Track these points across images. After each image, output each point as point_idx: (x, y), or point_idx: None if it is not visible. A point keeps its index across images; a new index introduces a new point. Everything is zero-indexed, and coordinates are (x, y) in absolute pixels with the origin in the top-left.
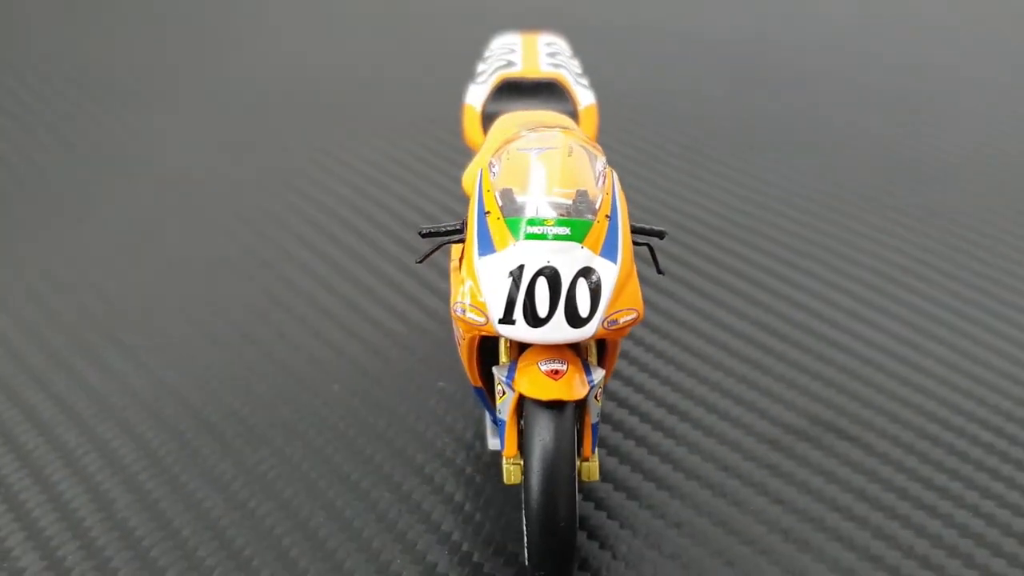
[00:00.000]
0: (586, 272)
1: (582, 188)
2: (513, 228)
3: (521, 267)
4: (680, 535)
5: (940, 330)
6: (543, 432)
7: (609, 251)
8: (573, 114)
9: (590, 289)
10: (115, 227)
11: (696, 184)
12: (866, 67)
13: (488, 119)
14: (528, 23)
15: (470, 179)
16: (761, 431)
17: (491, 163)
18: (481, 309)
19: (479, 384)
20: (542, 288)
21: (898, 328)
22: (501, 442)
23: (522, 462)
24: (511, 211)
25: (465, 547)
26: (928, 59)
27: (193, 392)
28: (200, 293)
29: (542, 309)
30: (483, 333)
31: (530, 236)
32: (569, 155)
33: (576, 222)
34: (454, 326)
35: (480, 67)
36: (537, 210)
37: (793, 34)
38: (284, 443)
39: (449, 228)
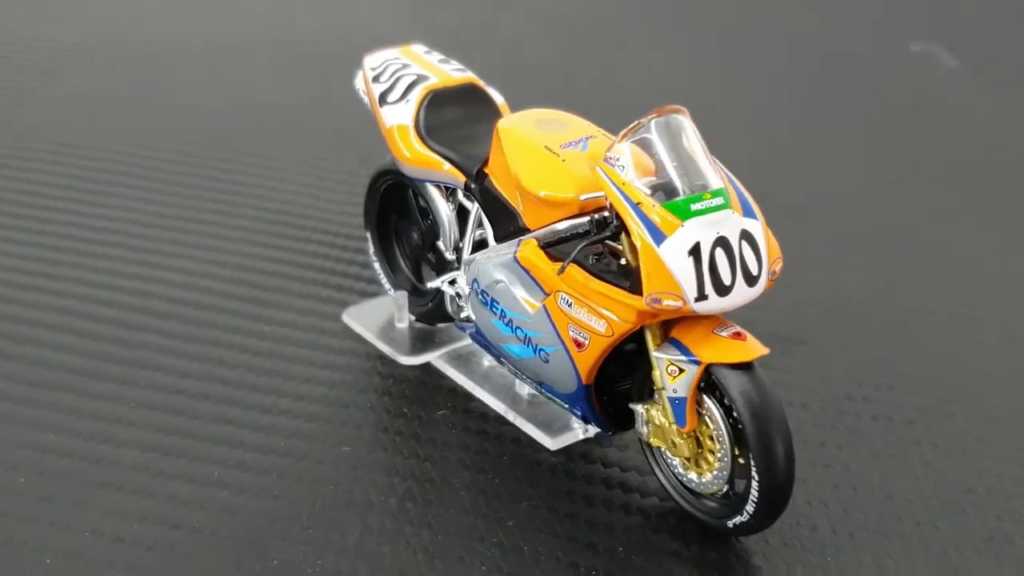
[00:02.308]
0: (744, 234)
1: (702, 160)
2: (675, 211)
3: (698, 244)
4: None
5: None
6: (749, 392)
7: (747, 210)
8: (497, 111)
9: (752, 248)
10: None
11: None
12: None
13: (427, 132)
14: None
15: (547, 183)
16: None
17: (609, 159)
18: (677, 294)
19: (591, 382)
20: (722, 259)
21: None
22: (680, 418)
23: (695, 435)
24: (663, 195)
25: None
26: None
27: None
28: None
29: (726, 278)
30: (673, 316)
31: (695, 213)
32: (686, 135)
33: (723, 191)
34: (554, 331)
35: (380, 88)
36: (686, 188)
37: None
38: (361, 528)
39: (575, 232)
